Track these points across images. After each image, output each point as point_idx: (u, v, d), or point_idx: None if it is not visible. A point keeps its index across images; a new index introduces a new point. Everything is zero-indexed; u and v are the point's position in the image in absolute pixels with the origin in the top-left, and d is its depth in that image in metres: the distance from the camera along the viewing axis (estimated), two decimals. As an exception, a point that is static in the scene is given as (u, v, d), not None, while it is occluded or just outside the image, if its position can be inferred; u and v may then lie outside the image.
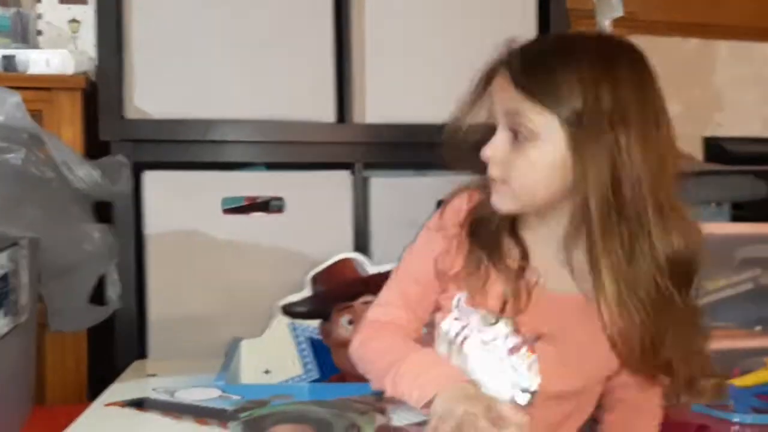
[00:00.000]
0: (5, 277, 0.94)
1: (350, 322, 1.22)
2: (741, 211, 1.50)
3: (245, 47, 1.30)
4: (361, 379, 0.86)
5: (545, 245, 0.83)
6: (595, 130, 0.76)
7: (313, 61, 1.33)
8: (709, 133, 2.18)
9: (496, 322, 0.79)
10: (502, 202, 0.83)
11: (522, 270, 0.83)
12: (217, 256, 1.30)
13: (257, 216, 1.32)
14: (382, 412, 0.90)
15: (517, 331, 0.79)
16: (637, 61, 0.80)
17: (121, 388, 1.01)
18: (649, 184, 0.77)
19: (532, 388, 0.76)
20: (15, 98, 0.86)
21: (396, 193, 1.37)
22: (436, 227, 0.88)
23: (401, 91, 1.35)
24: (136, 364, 1.17)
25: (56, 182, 0.88)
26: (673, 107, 0.81)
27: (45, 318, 1.19)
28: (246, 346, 1.23)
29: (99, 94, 1.24)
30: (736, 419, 1.04)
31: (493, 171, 0.82)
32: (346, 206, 1.35)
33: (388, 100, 1.35)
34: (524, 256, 0.84)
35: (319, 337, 1.25)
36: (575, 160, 0.77)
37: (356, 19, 1.34)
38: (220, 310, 1.30)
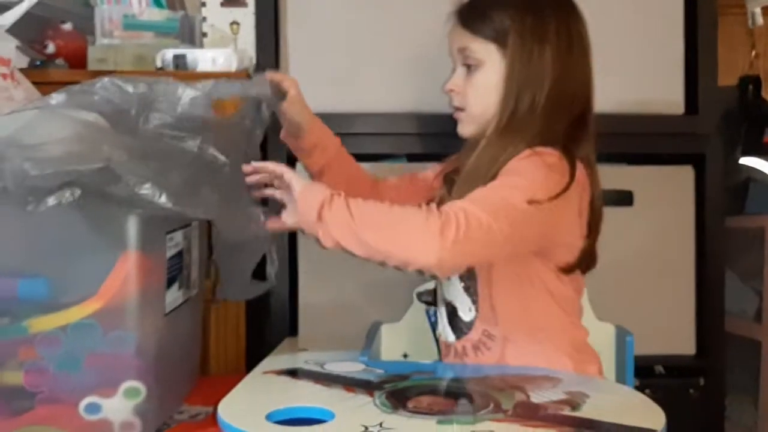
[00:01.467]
0: (180, 253, 1.05)
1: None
2: None
3: (391, 42, 1.37)
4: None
5: None
6: (523, 50, 1.01)
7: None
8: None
9: None
10: (464, 129, 1.09)
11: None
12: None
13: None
14: (521, 389, 0.92)
15: None
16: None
17: (276, 360, 1.09)
18: (548, 93, 1.01)
19: None
20: (191, 92, 0.97)
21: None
22: None
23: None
24: (288, 340, 1.26)
25: (227, 167, 0.98)
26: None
27: (211, 294, 1.31)
28: (386, 330, 1.29)
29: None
30: None
31: (455, 101, 1.08)
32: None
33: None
34: None
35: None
36: (508, 75, 1.02)
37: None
38: (363, 296, 1.37)
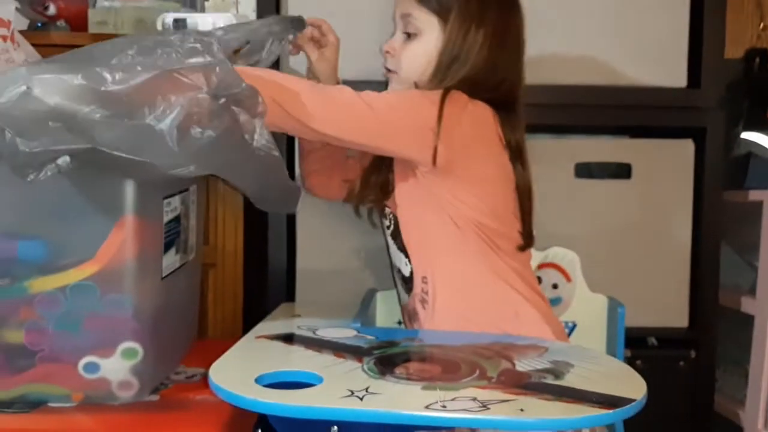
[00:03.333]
0: (177, 218, 1.07)
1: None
2: None
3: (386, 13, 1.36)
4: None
5: None
6: (461, 29, 1.08)
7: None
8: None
9: None
10: (392, 88, 1.16)
11: None
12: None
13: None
14: (507, 358, 0.94)
15: None
16: None
17: (270, 325, 1.12)
18: (467, 73, 1.07)
19: None
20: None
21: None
22: None
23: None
24: (283, 306, 1.29)
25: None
26: None
27: (208, 258, 1.34)
28: (381, 298, 1.31)
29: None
30: None
31: (388, 63, 1.16)
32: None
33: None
34: None
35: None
36: (442, 49, 1.09)
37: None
38: (360, 262, 1.39)
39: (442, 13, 1.09)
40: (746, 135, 1.58)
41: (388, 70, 1.17)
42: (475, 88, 1.07)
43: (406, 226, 1.14)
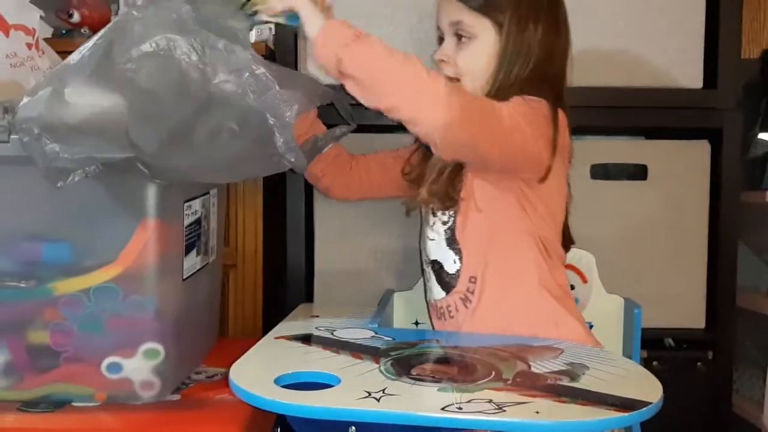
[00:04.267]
0: (198, 221, 1.09)
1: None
2: None
3: (410, 11, 1.37)
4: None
5: None
6: (518, 27, 1.08)
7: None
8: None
9: None
10: None
11: None
12: (377, 212, 1.39)
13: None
14: (523, 360, 0.95)
15: None
16: None
17: (289, 326, 1.13)
18: (532, 70, 1.08)
19: None
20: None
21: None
22: None
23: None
24: (302, 306, 1.30)
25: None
26: None
27: (229, 260, 1.36)
28: (398, 298, 1.32)
29: (276, 61, 1.37)
30: None
31: (447, 71, 1.12)
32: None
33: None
34: None
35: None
36: (501, 50, 1.09)
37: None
38: (377, 263, 1.40)
39: (494, 15, 1.09)
40: (763, 135, 1.57)
41: (449, 79, 1.11)
42: (541, 84, 1.08)
43: (468, 227, 1.12)
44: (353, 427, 0.88)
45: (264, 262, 1.40)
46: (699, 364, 1.37)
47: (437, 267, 1.17)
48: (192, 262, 1.07)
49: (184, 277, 1.05)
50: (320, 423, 0.83)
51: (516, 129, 1.01)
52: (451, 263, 1.14)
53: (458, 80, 1.12)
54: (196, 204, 1.08)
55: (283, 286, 1.41)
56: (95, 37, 0.94)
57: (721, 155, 1.39)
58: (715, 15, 1.39)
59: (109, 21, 1.42)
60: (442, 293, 1.16)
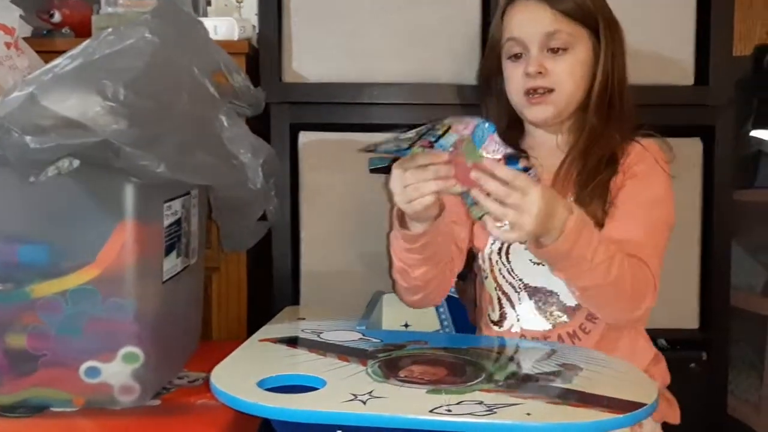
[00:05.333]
0: (178, 221, 1.06)
1: (463, 279, 1.25)
2: None
3: (395, 12, 1.35)
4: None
5: (544, 149, 1.12)
6: (613, 31, 1.08)
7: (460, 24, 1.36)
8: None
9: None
10: (547, 111, 1.08)
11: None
12: (364, 214, 1.37)
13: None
14: (515, 360, 0.93)
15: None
16: None
17: (274, 328, 1.11)
18: (621, 80, 1.10)
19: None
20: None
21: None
22: None
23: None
24: (288, 309, 1.27)
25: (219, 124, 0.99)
26: None
27: (212, 262, 1.33)
28: (387, 301, 1.30)
29: (260, 59, 1.34)
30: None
31: (543, 83, 1.07)
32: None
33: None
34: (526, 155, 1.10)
35: (456, 295, 1.29)
36: (604, 57, 1.07)
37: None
38: (364, 265, 1.37)
39: (590, 22, 1.07)
40: (756, 133, 1.55)
41: (534, 95, 1.07)
42: (627, 94, 1.11)
43: None
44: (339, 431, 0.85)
45: (248, 264, 1.37)
46: (693, 365, 1.35)
47: (543, 295, 1.07)
48: (172, 263, 1.05)
49: (164, 279, 1.02)
50: (305, 427, 0.80)
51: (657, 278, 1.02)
52: (568, 294, 1.04)
53: (552, 90, 1.07)
54: (176, 204, 1.05)
55: (269, 289, 1.38)
56: (81, 46, 0.93)
57: (714, 153, 1.38)
58: (706, 12, 1.37)
59: (89, 21, 1.41)
60: (546, 325, 1.06)
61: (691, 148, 1.39)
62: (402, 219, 1.03)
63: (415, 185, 0.93)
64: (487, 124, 0.89)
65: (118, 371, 0.95)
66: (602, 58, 1.08)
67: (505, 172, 0.88)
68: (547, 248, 0.91)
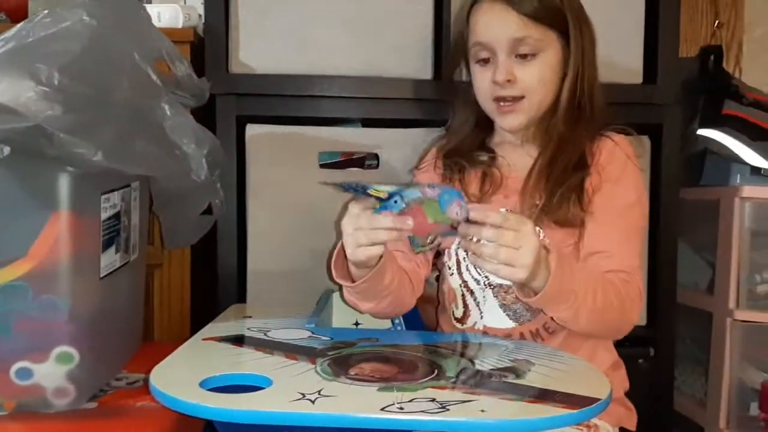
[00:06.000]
0: (117, 215, 1.01)
1: (437, 280, 1.23)
2: None
3: (345, 2, 1.32)
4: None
5: (511, 148, 1.11)
6: (581, 33, 1.05)
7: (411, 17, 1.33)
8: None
9: None
10: (517, 119, 1.06)
11: (493, 160, 1.11)
12: (313, 209, 1.34)
13: (352, 171, 1.34)
14: (467, 357, 0.91)
15: None
16: None
17: (219, 327, 1.06)
18: (591, 78, 1.07)
19: None
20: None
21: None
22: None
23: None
24: (234, 307, 1.23)
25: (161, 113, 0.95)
26: None
27: (154, 259, 1.27)
28: (337, 299, 1.26)
29: (206, 48, 1.30)
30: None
31: (512, 91, 1.04)
32: (441, 164, 1.35)
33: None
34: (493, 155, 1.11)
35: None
36: (574, 60, 1.04)
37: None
38: (314, 263, 1.34)
39: (558, 23, 1.04)
40: (702, 131, 1.58)
41: (504, 102, 1.06)
42: (597, 93, 1.09)
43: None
44: (287, 433, 0.82)
45: (192, 261, 1.32)
46: (641, 361, 1.36)
47: (507, 293, 1.05)
48: (110, 259, 1.00)
49: (102, 276, 0.98)
50: (251, 429, 0.77)
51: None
52: None
53: (522, 98, 1.05)
54: (115, 197, 1.00)
55: (214, 287, 1.33)
56: (14, 29, 0.88)
57: (662, 151, 1.39)
58: (654, 13, 1.39)
59: (26, 6, 1.35)
60: (509, 323, 1.05)
61: (640, 146, 1.40)
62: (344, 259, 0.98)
63: (366, 231, 0.89)
64: (454, 191, 0.89)
65: (51, 372, 0.91)
66: (572, 59, 1.05)
67: (495, 217, 0.87)
68: (544, 291, 0.91)
